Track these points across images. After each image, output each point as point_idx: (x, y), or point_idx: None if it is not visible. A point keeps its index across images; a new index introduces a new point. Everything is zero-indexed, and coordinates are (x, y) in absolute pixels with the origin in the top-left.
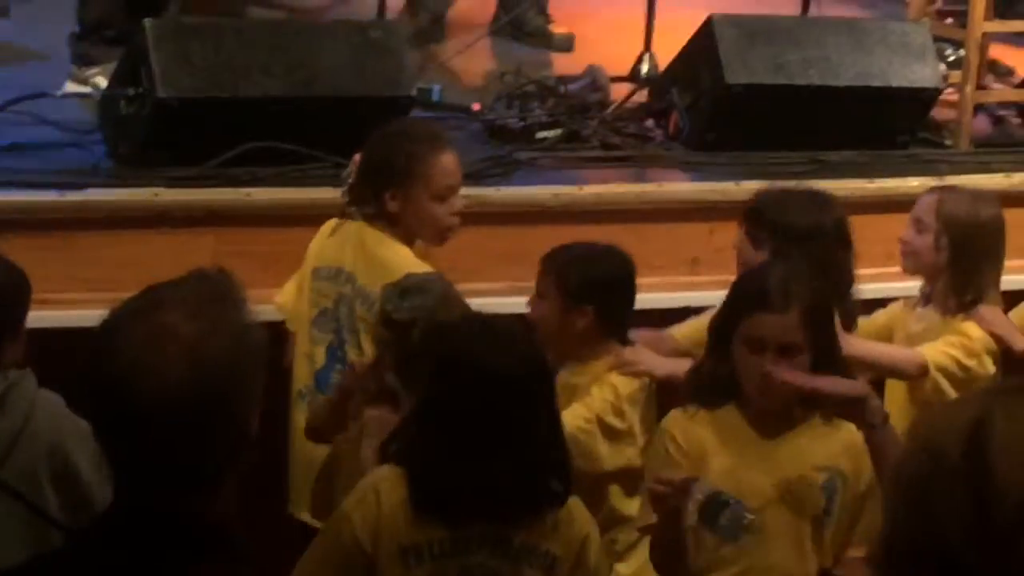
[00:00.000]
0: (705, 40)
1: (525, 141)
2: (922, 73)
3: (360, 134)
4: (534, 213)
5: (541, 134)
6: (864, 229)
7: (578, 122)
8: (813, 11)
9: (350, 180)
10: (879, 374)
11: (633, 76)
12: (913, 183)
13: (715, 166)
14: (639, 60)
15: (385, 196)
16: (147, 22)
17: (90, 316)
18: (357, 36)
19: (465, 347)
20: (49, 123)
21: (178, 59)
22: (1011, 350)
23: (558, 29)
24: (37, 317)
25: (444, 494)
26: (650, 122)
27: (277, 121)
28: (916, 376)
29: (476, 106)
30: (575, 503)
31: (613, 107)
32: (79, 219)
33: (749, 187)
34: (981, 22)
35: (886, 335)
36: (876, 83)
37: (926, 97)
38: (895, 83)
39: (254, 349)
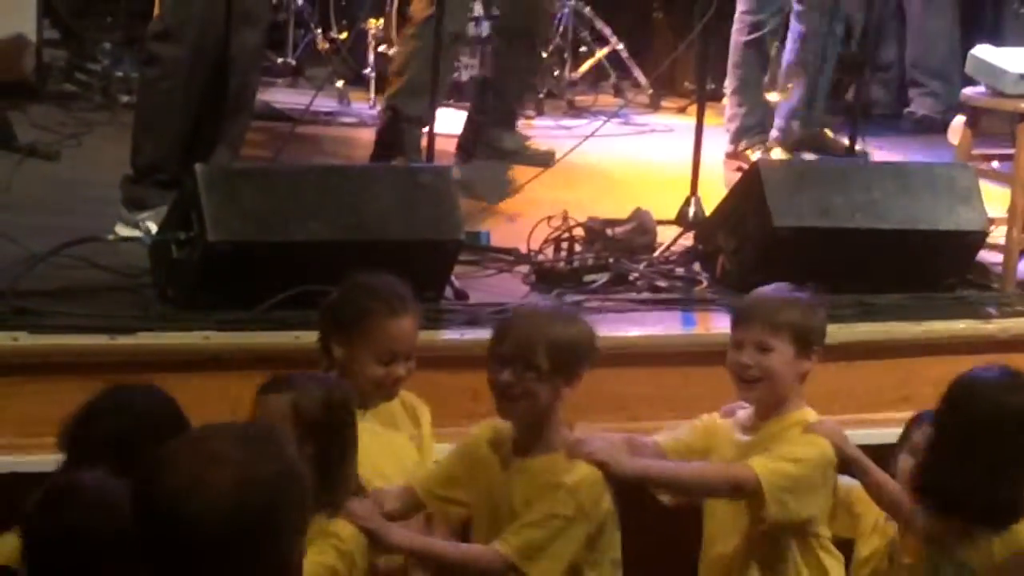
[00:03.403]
0: (752, 184)
1: (572, 284)
2: (968, 216)
3: (409, 278)
4: None
5: (588, 277)
6: (912, 373)
7: (625, 265)
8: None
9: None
10: None
11: (680, 219)
12: (960, 326)
13: None
14: (686, 203)
15: (331, 342)
16: (198, 167)
17: None
18: (406, 180)
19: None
20: (100, 267)
21: (228, 203)
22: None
23: (537, 146)
24: None
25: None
26: (697, 265)
27: (327, 265)
28: None
29: (524, 249)
30: None
31: (660, 250)
32: (130, 363)
33: None
34: None
35: None
36: (922, 226)
37: (973, 240)
38: (941, 226)
39: (299, 480)
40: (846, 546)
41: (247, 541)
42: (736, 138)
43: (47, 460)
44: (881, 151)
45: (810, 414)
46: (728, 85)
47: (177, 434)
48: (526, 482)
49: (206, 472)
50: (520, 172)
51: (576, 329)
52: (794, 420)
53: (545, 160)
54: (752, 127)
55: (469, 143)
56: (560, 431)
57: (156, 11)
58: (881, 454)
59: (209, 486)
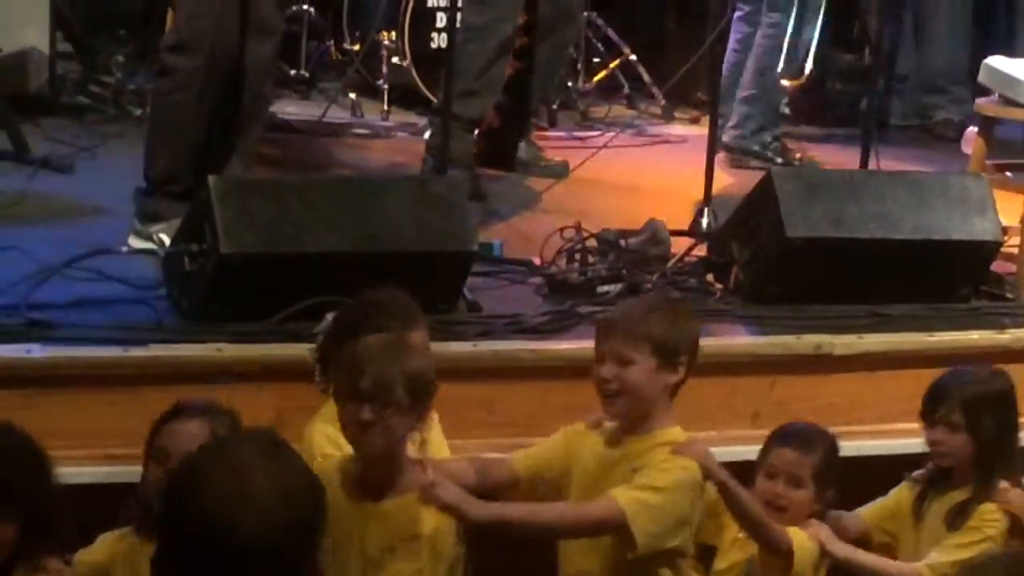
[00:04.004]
0: (765, 194)
1: (586, 295)
2: (982, 226)
3: (422, 289)
4: None
5: (602, 288)
6: (926, 383)
7: (639, 276)
8: (872, 165)
9: (321, 339)
10: None
11: (693, 230)
12: (974, 336)
13: (775, 320)
14: (699, 214)
15: None
16: (210, 179)
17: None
18: (419, 191)
19: None
20: (113, 279)
21: (241, 215)
22: None
23: (551, 157)
24: (103, 473)
25: None
26: (710, 276)
27: (339, 276)
28: None
29: (537, 260)
30: None
31: (673, 261)
32: (143, 375)
33: (810, 341)
34: None
35: None
36: (936, 237)
37: (986, 250)
38: (955, 236)
39: (324, 489)
40: (708, 553)
41: (293, 551)
42: (751, 136)
43: (58, 473)
44: (895, 162)
45: (678, 433)
46: (744, 90)
47: (39, 471)
48: (381, 528)
49: (247, 487)
50: (534, 183)
51: (427, 360)
52: (661, 439)
53: (559, 172)
54: (764, 128)
55: (485, 154)
56: (412, 470)
57: (170, 23)
58: (896, 465)
59: (255, 501)
